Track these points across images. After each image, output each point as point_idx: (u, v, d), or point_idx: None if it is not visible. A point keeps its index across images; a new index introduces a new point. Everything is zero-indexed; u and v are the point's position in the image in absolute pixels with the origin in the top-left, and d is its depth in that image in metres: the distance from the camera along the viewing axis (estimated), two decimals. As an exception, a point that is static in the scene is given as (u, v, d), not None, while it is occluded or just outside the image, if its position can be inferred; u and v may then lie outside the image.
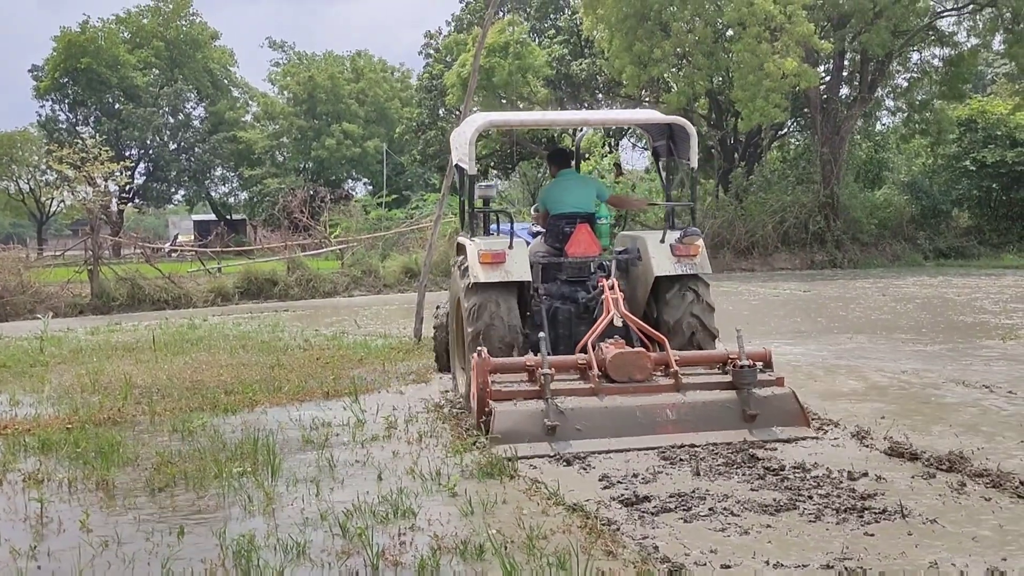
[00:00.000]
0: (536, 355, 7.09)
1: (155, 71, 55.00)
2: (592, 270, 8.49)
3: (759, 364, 7.27)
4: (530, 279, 8.06)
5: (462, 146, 8.76)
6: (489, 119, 8.93)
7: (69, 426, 7.56)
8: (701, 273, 8.18)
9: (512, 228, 8.29)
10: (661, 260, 8.10)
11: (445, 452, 6.69)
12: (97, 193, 23.67)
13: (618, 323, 7.84)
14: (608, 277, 8.06)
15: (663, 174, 10.20)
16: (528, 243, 8.71)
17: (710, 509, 5.32)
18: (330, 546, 4.81)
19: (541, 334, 7.19)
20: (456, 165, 9.34)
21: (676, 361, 7.25)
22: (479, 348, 7.15)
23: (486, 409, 6.90)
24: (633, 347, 7.49)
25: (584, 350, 7.37)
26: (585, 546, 4.62)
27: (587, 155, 35.53)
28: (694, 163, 8.43)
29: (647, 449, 6.63)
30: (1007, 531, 4.87)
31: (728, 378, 7.16)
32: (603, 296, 7.82)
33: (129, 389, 9.17)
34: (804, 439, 6.88)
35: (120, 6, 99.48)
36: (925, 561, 4.45)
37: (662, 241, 8.21)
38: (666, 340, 7.53)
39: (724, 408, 7.01)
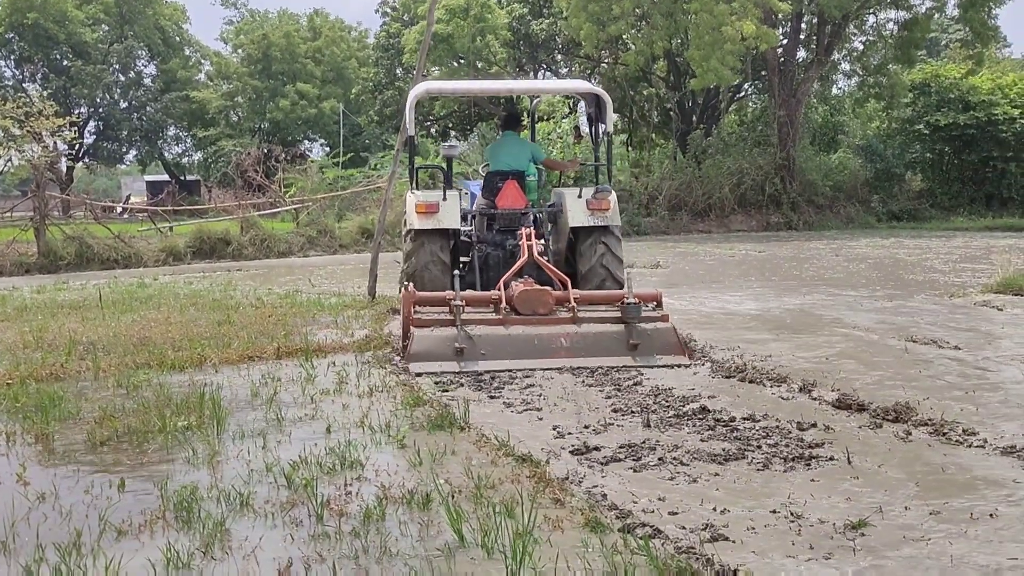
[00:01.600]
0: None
1: (104, 27, 53.47)
2: (521, 221, 9.62)
3: (651, 304, 8.51)
4: (459, 227, 9.44)
5: (406, 111, 10.05)
6: (426, 87, 10.42)
7: (9, 382, 7.37)
8: (611, 225, 9.39)
9: (470, 184, 9.79)
10: (576, 213, 9.39)
11: (395, 405, 6.63)
12: (44, 150, 23.10)
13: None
14: (529, 227, 9.22)
15: (593, 137, 11.12)
16: (475, 197, 10.06)
17: (659, 459, 5.32)
18: (274, 497, 4.73)
19: (455, 272, 8.48)
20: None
21: (576, 298, 8.42)
22: (405, 283, 8.43)
23: (408, 334, 8.08)
24: (543, 286, 8.54)
25: (505, 286, 8.49)
26: (533, 494, 4.59)
27: (545, 117, 35.28)
28: (609, 128, 9.97)
29: (542, 369, 7.77)
30: (949, 476, 4.94)
31: (618, 314, 8.29)
32: (523, 241, 9.01)
33: (73, 345, 8.97)
34: (755, 395, 6.94)
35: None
36: (867, 503, 4.48)
37: (579, 196, 9.47)
38: (568, 280, 8.67)
39: (611, 338, 8.17)
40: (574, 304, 8.35)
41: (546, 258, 9.42)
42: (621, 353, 8.04)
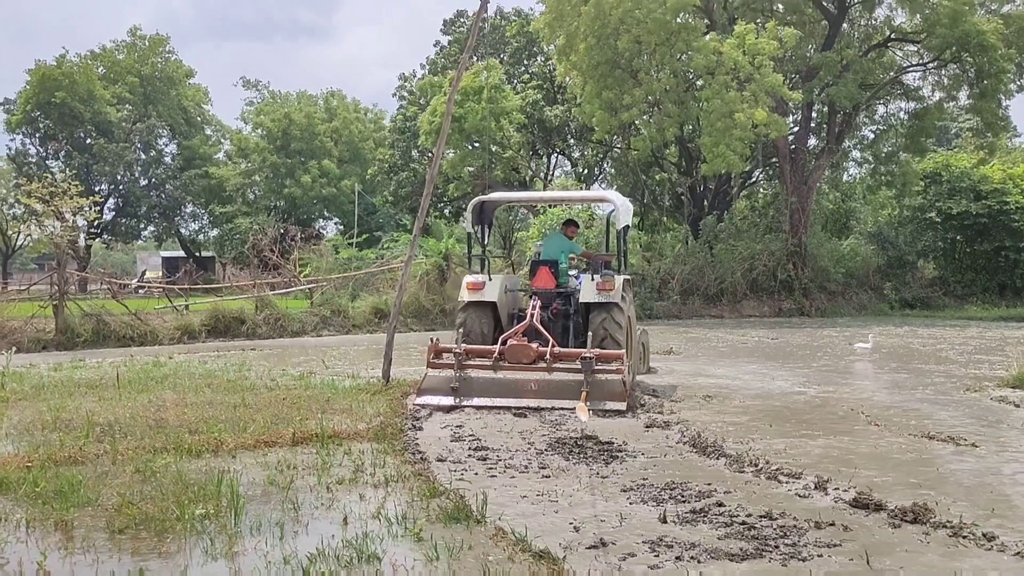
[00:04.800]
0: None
1: (128, 107, 54.73)
2: (552, 298, 12.20)
3: (614, 361, 10.57)
4: (496, 300, 11.93)
5: (467, 214, 13.13)
6: (479, 199, 13.15)
7: (28, 464, 7.40)
8: (612, 302, 11.53)
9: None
10: (587, 292, 11.72)
11: (412, 496, 6.63)
12: (65, 228, 23.45)
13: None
14: (536, 301, 11.78)
15: (608, 231, 14.39)
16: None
17: (676, 557, 5.31)
18: (293, 591, 4.73)
19: (459, 328, 11.45)
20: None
21: (552, 354, 10.77)
22: (432, 337, 11.37)
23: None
24: (537, 344, 10.91)
25: (503, 343, 11.00)
26: (551, 594, 4.58)
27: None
28: (618, 226, 12.81)
29: (512, 408, 10.22)
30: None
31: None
32: (530, 311, 11.53)
33: (91, 427, 9.02)
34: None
35: (95, 41, 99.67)
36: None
37: (591, 279, 11.75)
38: (553, 340, 11.02)
39: (569, 386, 10.39)
40: (549, 357, 10.73)
41: (566, 322, 12.06)
42: (576, 397, 10.09)
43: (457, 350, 10.71)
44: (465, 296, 12.06)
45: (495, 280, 12.19)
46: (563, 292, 12.37)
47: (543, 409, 10.16)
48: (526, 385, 10.57)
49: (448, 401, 10.39)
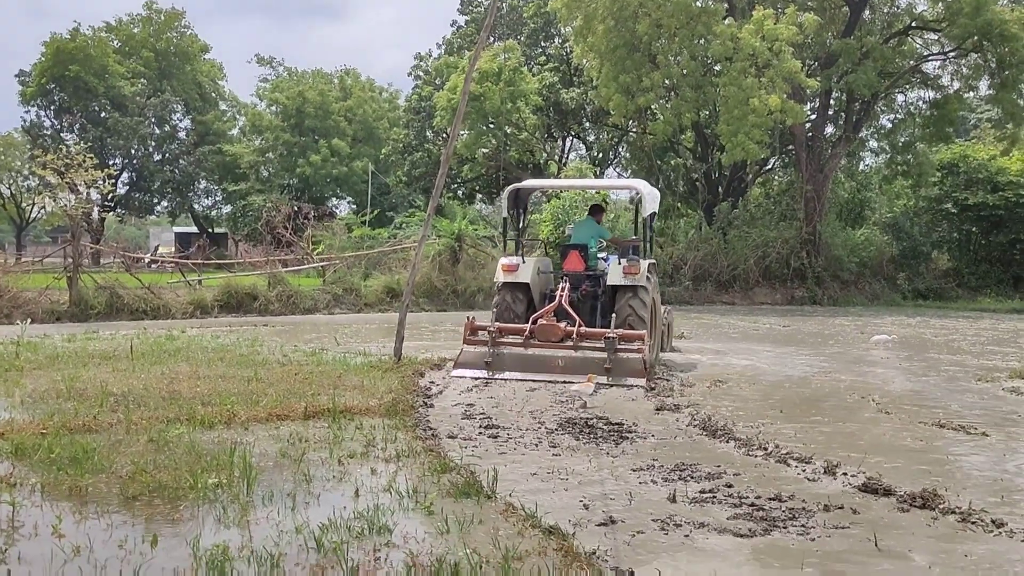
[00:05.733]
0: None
1: (143, 81, 54.75)
2: (581, 280, 12.98)
3: (636, 341, 11.42)
4: (529, 281, 12.74)
5: (502, 200, 13.89)
6: (514, 186, 13.92)
7: (43, 431, 7.47)
8: (638, 284, 12.27)
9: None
10: (614, 275, 12.50)
11: (423, 471, 6.67)
12: (79, 200, 23.53)
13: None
14: (565, 283, 12.59)
15: (635, 219, 15.27)
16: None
17: (685, 536, 5.33)
18: (304, 560, 4.78)
19: (495, 308, 12.50)
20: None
21: (579, 333, 11.60)
22: (469, 315, 12.70)
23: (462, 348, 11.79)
24: (565, 324, 11.74)
25: (534, 322, 11.83)
26: (560, 568, 4.61)
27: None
28: (644, 214, 13.62)
29: (542, 381, 11.07)
30: (972, 562, 4.92)
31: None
32: (559, 292, 12.35)
33: (105, 397, 9.09)
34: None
35: (111, 14, 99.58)
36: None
37: (619, 263, 12.51)
38: (580, 320, 11.87)
39: (594, 362, 11.28)
40: (575, 336, 11.58)
41: (594, 303, 12.84)
42: (600, 373, 11.06)
43: (491, 328, 11.66)
44: (500, 277, 12.90)
45: (528, 262, 13.03)
46: (592, 274, 13.10)
47: (570, 382, 10.97)
48: (553, 362, 11.44)
49: (482, 374, 11.32)
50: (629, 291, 12.34)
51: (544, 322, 11.78)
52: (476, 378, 11.21)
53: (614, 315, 11.99)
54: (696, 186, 38.14)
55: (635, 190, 14.65)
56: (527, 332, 11.73)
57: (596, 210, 14.72)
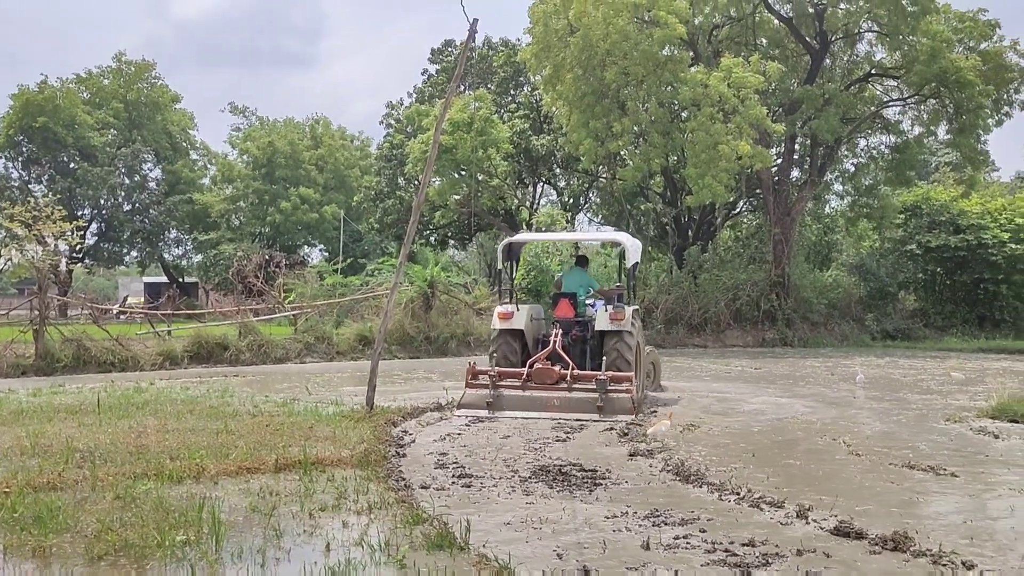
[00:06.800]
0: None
1: (113, 131, 54.59)
2: (572, 326, 13.89)
3: (624, 383, 12.52)
4: (523, 328, 13.70)
5: (498, 253, 14.81)
6: (507, 240, 14.98)
7: (6, 490, 7.33)
8: (623, 329, 13.24)
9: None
10: (601, 321, 13.47)
11: (395, 523, 6.61)
12: (46, 252, 23.36)
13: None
14: (558, 330, 13.64)
15: (619, 269, 16.14)
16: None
17: (659, 585, 5.31)
18: (274, 618, 4.71)
19: (493, 354, 13.81)
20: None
21: (572, 375, 12.75)
22: (470, 360, 13.88)
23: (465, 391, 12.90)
24: (559, 367, 12.83)
25: (531, 366, 12.97)
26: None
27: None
28: (628, 263, 14.55)
29: (540, 418, 12.14)
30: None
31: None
32: (553, 338, 13.35)
33: (71, 453, 8.95)
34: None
35: (80, 66, 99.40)
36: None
37: (605, 310, 13.53)
38: (572, 363, 12.96)
39: (587, 402, 12.44)
40: (570, 378, 12.71)
41: (584, 347, 13.74)
42: (592, 411, 12.27)
43: (491, 372, 12.90)
44: (497, 324, 13.95)
45: (522, 310, 14.05)
46: (581, 321, 14.14)
47: (565, 419, 12.12)
48: (550, 401, 12.56)
49: (484, 413, 12.49)
50: (615, 336, 13.29)
51: (540, 366, 12.90)
52: (479, 418, 12.31)
53: (604, 357, 12.97)
54: (666, 230, 38.45)
55: (618, 243, 15.98)
56: (525, 375, 12.81)
57: (583, 261, 16.01)
